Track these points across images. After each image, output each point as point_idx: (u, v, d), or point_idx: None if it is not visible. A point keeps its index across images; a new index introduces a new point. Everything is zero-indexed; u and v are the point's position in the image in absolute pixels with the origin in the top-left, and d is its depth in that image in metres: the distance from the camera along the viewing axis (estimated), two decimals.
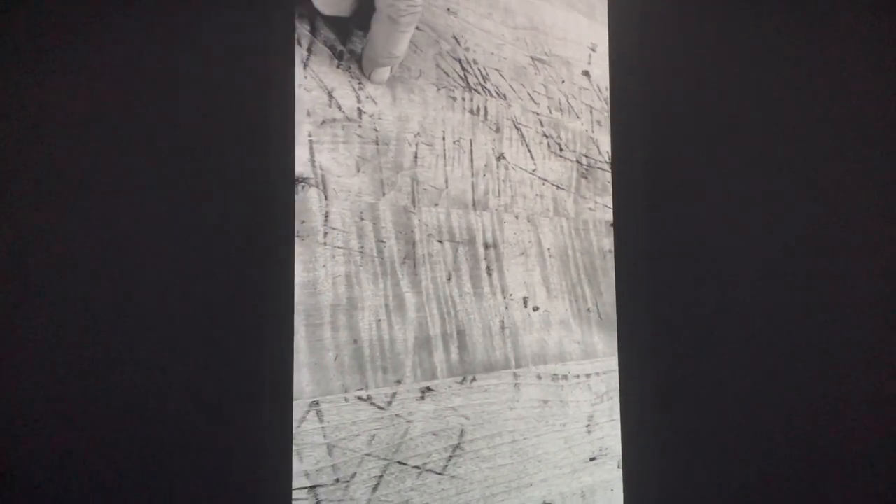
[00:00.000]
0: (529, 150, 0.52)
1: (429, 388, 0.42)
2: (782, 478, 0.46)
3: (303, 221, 0.37)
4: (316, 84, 0.40)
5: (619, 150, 0.54)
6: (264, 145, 0.35)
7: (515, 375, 0.47)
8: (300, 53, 0.39)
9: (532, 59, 0.54)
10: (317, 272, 0.37)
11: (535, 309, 0.49)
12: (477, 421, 0.44)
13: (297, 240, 0.37)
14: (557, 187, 0.53)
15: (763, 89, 0.52)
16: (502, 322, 0.47)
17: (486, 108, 0.49)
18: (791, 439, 0.46)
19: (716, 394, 0.49)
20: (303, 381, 0.36)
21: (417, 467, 0.40)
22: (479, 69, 0.49)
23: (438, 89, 0.44)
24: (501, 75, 0.51)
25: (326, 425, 0.36)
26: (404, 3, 0.38)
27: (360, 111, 0.41)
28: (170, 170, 0.32)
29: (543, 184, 0.52)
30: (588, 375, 0.52)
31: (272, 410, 0.32)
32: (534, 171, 0.52)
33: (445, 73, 0.47)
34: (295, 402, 0.35)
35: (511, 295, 0.48)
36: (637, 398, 0.50)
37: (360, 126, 0.41)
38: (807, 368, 0.46)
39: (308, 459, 0.35)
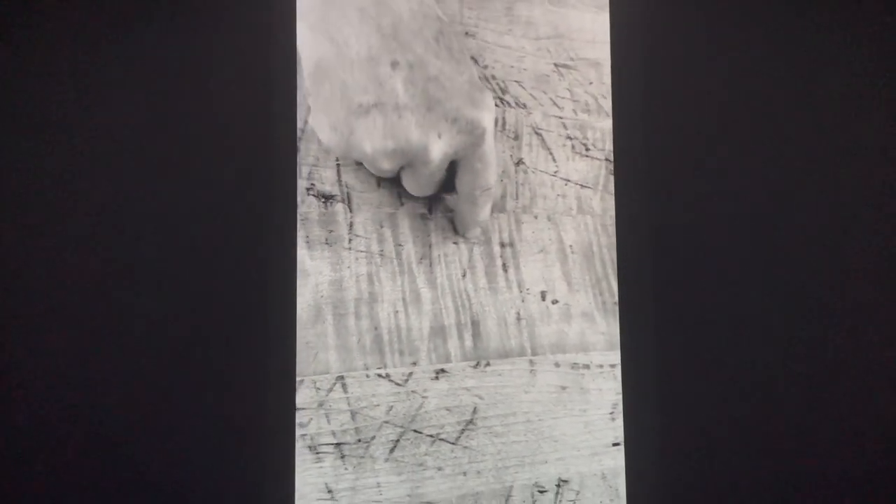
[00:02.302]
0: (551, 153, 0.57)
1: (443, 370, 0.49)
2: (783, 475, 0.46)
3: (331, 231, 0.47)
4: None
5: (620, 142, 0.56)
6: (267, 152, 0.42)
7: (531, 362, 0.53)
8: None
9: (556, 65, 0.58)
10: (342, 272, 0.47)
11: (555, 302, 0.54)
12: (490, 401, 0.51)
13: (325, 246, 0.47)
14: (582, 186, 0.57)
15: (765, 86, 0.51)
16: (518, 314, 0.53)
17: (504, 119, 0.55)
18: (793, 434, 0.45)
19: (718, 387, 0.50)
20: (331, 359, 0.46)
21: (431, 436, 0.48)
22: (497, 83, 0.55)
23: None
24: (521, 86, 0.57)
25: (350, 395, 0.46)
26: (479, 189, 0.46)
27: None
28: (178, 174, 0.37)
29: (566, 184, 0.57)
30: (613, 365, 0.55)
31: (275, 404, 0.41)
32: (555, 172, 0.57)
33: None
34: (324, 376, 0.46)
35: (528, 289, 0.53)
36: (640, 390, 0.53)
37: None
38: (811, 364, 0.45)
39: (334, 422, 0.45)
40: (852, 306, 0.49)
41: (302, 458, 0.44)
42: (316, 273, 0.46)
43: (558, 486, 0.52)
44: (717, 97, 0.55)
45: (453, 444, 0.49)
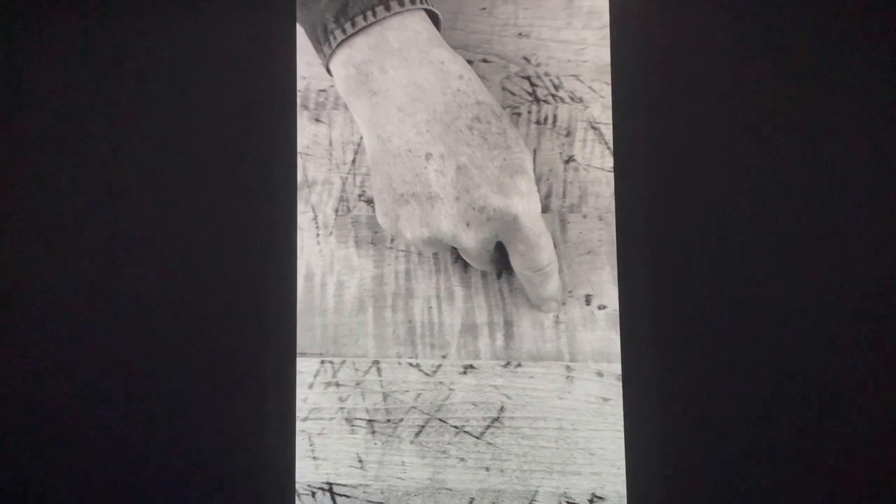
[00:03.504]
0: (609, 147, 0.53)
1: (471, 366, 0.51)
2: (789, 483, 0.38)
3: (375, 232, 0.54)
4: None
5: (620, 149, 0.48)
6: (268, 158, 0.47)
7: (569, 368, 0.50)
8: None
9: None
10: (384, 269, 0.53)
11: (601, 307, 0.51)
12: (519, 402, 0.50)
13: (370, 245, 0.54)
14: None
15: (767, 79, 0.40)
16: (557, 317, 0.51)
17: (555, 116, 0.54)
18: (800, 442, 0.38)
19: (722, 395, 0.40)
20: (369, 345, 0.52)
21: (456, 427, 0.50)
22: (550, 80, 0.54)
23: (503, 109, 0.53)
24: (579, 79, 0.54)
25: (383, 379, 0.52)
26: (528, 270, 0.47)
27: None
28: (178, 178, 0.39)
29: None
30: None
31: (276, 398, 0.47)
32: (613, 168, 0.53)
33: (512, 92, 0.55)
34: (362, 359, 0.52)
35: (570, 292, 0.51)
36: (642, 400, 0.45)
37: None
38: (819, 368, 0.34)
39: (368, 400, 0.51)
40: (868, 319, 0.37)
41: (340, 427, 0.52)
42: (361, 269, 0.54)
43: (591, 501, 0.49)
44: (723, 98, 0.46)
45: (477, 438, 0.50)
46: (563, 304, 0.50)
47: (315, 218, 0.57)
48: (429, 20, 0.49)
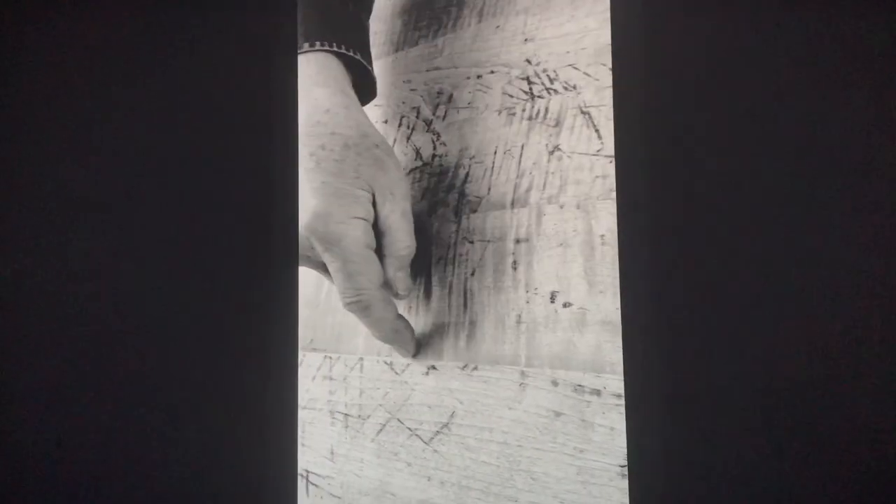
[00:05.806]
0: (597, 131, 0.46)
1: (434, 367, 0.47)
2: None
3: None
4: (412, 148, 0.59)
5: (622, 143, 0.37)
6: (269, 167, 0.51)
7: (523, 374, 0.42)
8: (404, 130, 0.60)
9: None
10: None
11: (566, 305, 0.42)
12: (470, 408, 0.44)
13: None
14: None
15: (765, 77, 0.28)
16: (519, 316, 0.44)
17: (546, 108, 0.50)
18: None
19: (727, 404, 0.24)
20: (359, 343, 0.54)
21: (410, 429, 0.46)
22: (547, 75, 0.51)
23: (500, 113, 0.52)
24: (574, 67, 0.50)
25: (364, 375, 0.52)
26: (340, 296, 0.47)
27: (433, 156, 0.57)
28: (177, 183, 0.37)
29: (610, 162, 0.44)
30: None
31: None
32: (599, 151, 0.45)
33: (510, 95, 0.53)
34: (352, 356, 0.54)
35: (536, 289, 0.44)
36: (645, 408, 0.30)
37: (430, 166, 0.56)
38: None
39: (349, 394, 0.52)
40: (872, 320, 0.25)
41: (325, 419, 0.54)
42: None
43: None
44: (727, 94, 0.35)
45: (426, 444, 0.46)
46: (415, 354, 0.49)
47: None
48: (335, 62, 0.53)
